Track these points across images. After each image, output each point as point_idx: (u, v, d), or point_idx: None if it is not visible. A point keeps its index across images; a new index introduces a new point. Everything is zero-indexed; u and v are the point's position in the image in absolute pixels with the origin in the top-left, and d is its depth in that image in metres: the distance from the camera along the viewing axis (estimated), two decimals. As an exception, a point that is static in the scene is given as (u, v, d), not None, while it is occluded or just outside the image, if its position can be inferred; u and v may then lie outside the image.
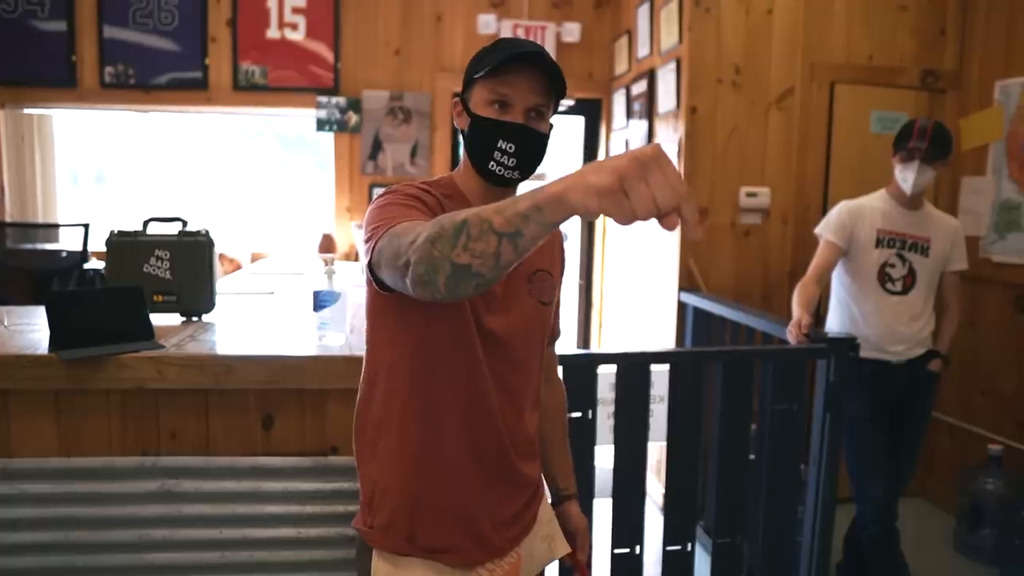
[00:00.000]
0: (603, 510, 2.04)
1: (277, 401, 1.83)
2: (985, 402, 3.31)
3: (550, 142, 1.28)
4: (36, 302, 2.22)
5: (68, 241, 4.02)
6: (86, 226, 3.80)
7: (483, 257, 0.88)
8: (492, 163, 1.23)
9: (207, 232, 2.28)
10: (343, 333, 1.86)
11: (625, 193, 0.77)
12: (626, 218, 0.78)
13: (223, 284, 3.23)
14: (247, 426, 1.82)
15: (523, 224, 0.85)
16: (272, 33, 4.02)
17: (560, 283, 1.43)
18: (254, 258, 4.23)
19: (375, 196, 1.24)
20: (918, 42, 3.40)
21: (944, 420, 3.44)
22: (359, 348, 1.60)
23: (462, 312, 1.20)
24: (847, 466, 2.50)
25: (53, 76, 3.89)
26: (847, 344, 2.16)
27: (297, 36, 4.05)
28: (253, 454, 1.79)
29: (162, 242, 2.25)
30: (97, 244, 3.89)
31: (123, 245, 2.25)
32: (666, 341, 3.38)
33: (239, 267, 4.10)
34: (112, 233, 2.30)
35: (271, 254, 4.27)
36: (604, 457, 2.09)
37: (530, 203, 0.84)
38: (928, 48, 3.41)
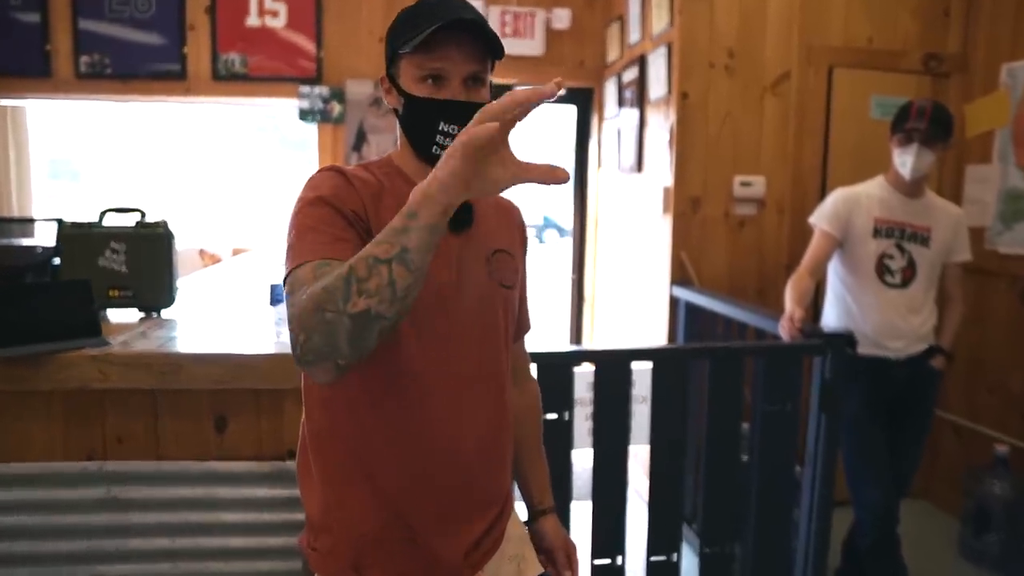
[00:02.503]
0: (581, 513, 1.91)
1: (231, 402, 1.75)
2: (991, 400, 3.17)
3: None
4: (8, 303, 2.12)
5: (44, 236, 3.91)
6: (59, 221, 3.69)
7: (379, 293, 0.84)
8: (435, 147, 1.09)
9: (165, 224, 2.18)
10: None
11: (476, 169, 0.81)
12: (496, 188, 0.83)
13: (196, 278, 3.14)
14: (199, 429, 1.73)
15: (404, 238, 0.84)
16: (252, 21, 3.90)
17: (523, 266, 1.29)
18: (235, 253, 4.12)
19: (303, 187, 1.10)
20: (921, 24, 3.27)
21: (948, 419, 3.31)
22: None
23: None
24: (844, 469, 2.37)
25: (27, 66, 3.78)
26: (844, 340, 2.03)
27: (278, 24, 3.92)
28: (206, 459, 1.70)
29: (118, 234, 2.15)
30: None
31: (76, 237, 2.16)
32: (658, 337, 3.26)
33: (219, 261, 3.99)
34: (64, 224, 2.20)
35: (252, 249, 4.16)
36: (583, 460, 1.97)
37: (401, 215, 0.85)
38: (931, 30, 3.28)
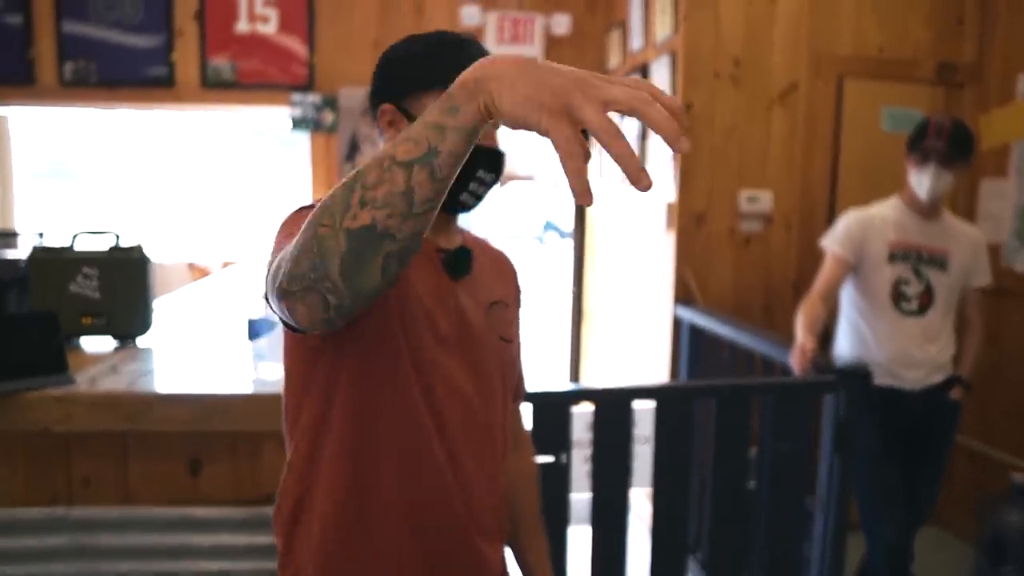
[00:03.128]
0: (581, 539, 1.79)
1: (205, 444, 1.66)
2: (1008, 424, 3.06)
3: None
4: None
5: (29, 248, 3.80)
6: (40, 235, 3.59)
7: (390, 204, 0.66)
8: (466, 195, 0.99)
9: (140, 248, 2.07)
10: (280, 364, 1.63)
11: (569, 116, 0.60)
12: (573, 150, 0.60)
13: (182, 295, 3.04)
14: (172, 472, 1.64)
15: (436, 136, 0.66)
16: (242, 27, 3.78)
17: (518, 318, 1.18)
18: (225, 266, 4.02)
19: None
20: (933, 32, 3.14)
21: (962, 442, 3.20)
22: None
23: (401, 352, 0.96)
24: (857, 504, 2.26)
25: (9, 73, 3.66)
26: (859, 375, 1.91)
27: (269, 29, 3.80)
28: (179, 504, 1.61)
29: (90, 259, 2.03)
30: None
31: (46, 263, 2.04)
32: (660, 360, 3.14)
33: (208, 275, 3.88)
34: (35, 248, 2.09)
35: (241, 262, 4.05)
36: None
37: (436, 108, 0.66)
38: (944, 39, 3.16)
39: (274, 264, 0.79)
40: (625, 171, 0.60)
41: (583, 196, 0.61)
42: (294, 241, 0.73)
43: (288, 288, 0.72)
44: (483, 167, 0.98)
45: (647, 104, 0.60)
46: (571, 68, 0.63)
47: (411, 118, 0.98)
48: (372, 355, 0.95)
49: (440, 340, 0.99)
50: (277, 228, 0.93)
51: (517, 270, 1.21)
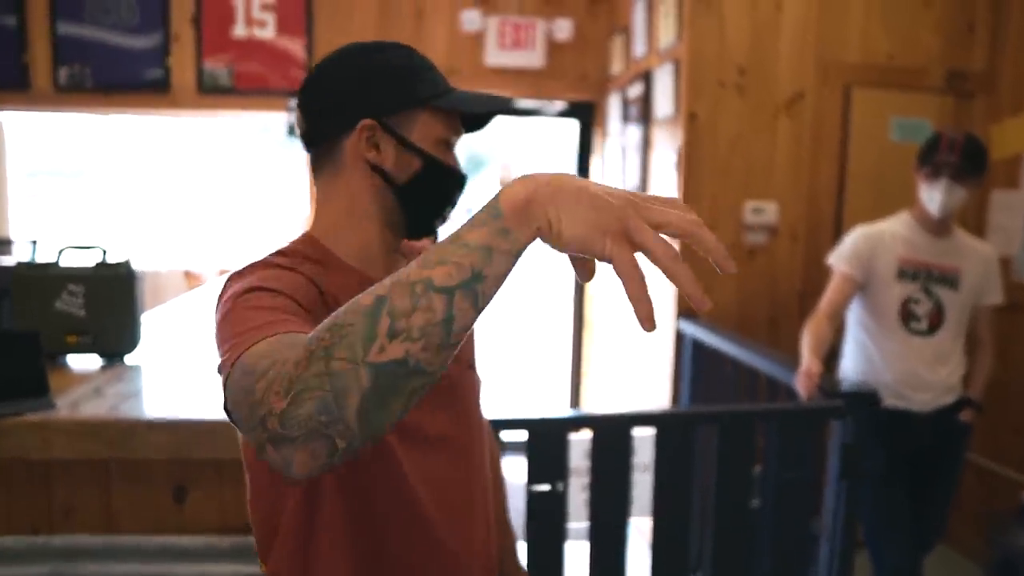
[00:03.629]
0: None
1: (190, 470, 1.62)
2: (1018, 441, 2.99)
3: None
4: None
5: (24, 256, 3.76)
6: (34, 242, 3.55)
7: (427, 335, 0.58)
8: (439, 220, 0.98)
9: (128, 263, 2.01)
10: None
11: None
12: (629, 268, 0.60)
13: (175, 306, 2.99)
14: (156, 500, 1.59)
15: (483, 260, 0.59)
16: (239, 31, 3.72)
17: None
18: (220, 274, 3.96)
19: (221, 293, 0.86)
20: (943, 40, 3.07)
21: (971, 460, 3.12)
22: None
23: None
24: (862, 529, 2.19)
25: (3, 78, 3.61)
26: (867, 400, 1.85)
27: (266, 34, 3.75)
28: (163, 532, 1.56)
29: (75, 275, 1.98)
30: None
31: (31, 279, 1.99)
32: (661, 377, 3.08)
33: (203, 283, 3.83)
34: (18, 264, 2.03)
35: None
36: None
37: (482, 226, 0.60)
38: (955, 46, 3.08)
39: (236, 384, 0.66)
40: (641, 311, 0.60)
41: (648, 322, 0.59)
42: (267, 365, 0.62)
43: (284, 434, 0.59)
44: (457, 190, 0.98)
45: (699, 227, 0.59)
46: (615, 188, 0.61)
47: (397, 136, 0.91)
48: None
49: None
50: (218, 311, 0.81)
51: None
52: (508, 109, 0.96)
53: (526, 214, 0.60)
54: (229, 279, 0.87)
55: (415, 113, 0.92)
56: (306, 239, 0.96)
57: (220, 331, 0.78)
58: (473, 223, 0.61)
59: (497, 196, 0.62)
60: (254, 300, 0.78)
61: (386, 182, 0.93)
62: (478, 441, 1.03)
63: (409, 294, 0.58)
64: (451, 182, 0.96)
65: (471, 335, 1.07)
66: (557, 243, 0.60)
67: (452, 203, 0.98)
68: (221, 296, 0.84)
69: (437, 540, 0.93)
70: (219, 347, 0.76)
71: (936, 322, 2.19)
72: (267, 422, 0.59)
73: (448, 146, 0.95)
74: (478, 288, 0.60)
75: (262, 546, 0.94)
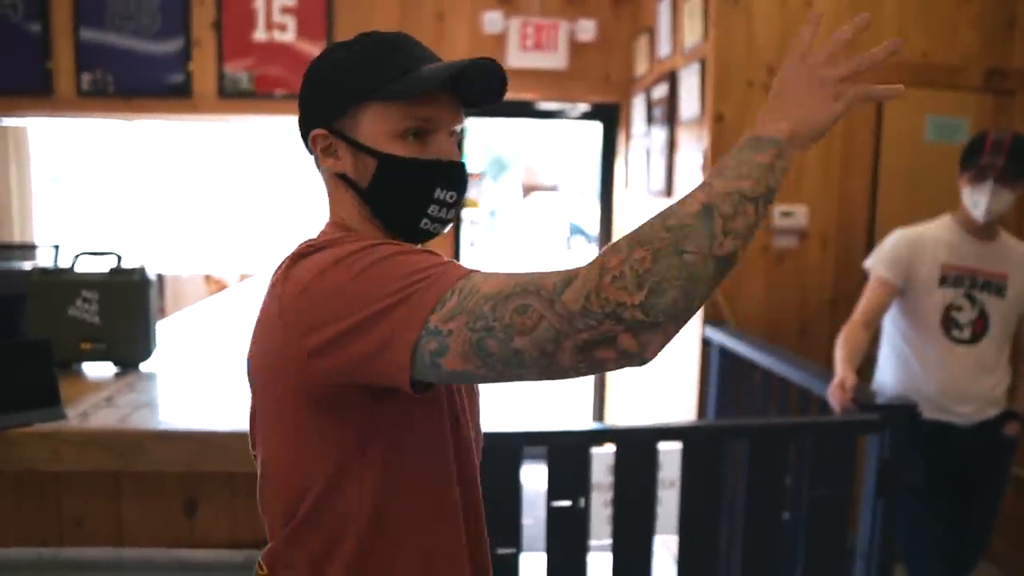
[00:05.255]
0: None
1: (202, 483, 1.58)
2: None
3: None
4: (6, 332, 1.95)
5: (47, 261, 3.78)
6: (56, 247, 3.56)
7: (743, 235, 0.73)
8: (426, 221, 0.88)
9: (143, 270, 1.98)
10: None
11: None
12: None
13: (194, 312, 2.97)
14: (167, 512, 1.56)
15: (771, 176, 0.75)
16: (259, 35, 3.71)
17: None
18: (242, 279, 3.95)
19: (317, 265, 0.81)
20: (982, 36, 2.96)
21: (1013, 473, 3.00)
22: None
23: (441, 411, 0.88)
24: (901, 544, 2.09)
25: (27, 83, 3.63)
26: (905, 413, 1.75)
27: (287, 37, 3.73)
28: (174, 546, 1.52)
29: (90, 281, 1.95)
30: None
31: (45, 285, 1.96)
32: (688, 384, 2.99)
33: (225, 288, 3.81)
34: (33, 270, 2.01)
35: (258, 275, 3.98)
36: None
37: (765, 148, 0.77)
38: (994, 43, 2.97)
39: (535, 305, 0.71)
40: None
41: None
42: (633, 254, 0.70)
43: (649, 321, 0.69)
44: (441, 185, 0.87)
45: (869, 58, 0.85)
46: (806, 69, 0.83)
47: (349, 139, 0.87)
48: (414, 409, 0.85)
49: (455, 398, 0.93)
50: (331, 273, 0.78)
51: None
52: (477, 68, 0.86)
53: (794, 140, 0.78)
54: (313, 254, 0.82)
55: (360, 109, 0.87)
56: (337, 224, 0.92)
57: (370, 280, 0.76)
58: (757, 147, 0.76)
59: (769, 131, 0.78)
60: (388, 250, 0.79)
61: (354, 188, 0.89)
62: (479, 443, 1.02)
63: (731, 202, 0.72)
64: (420, 176, 0.86)
65: None
66: (814, 143, 0.82)
67: (434, 199, 0.87)
68: (331, 265, 0.79)
69: (457, 531, 0.91)
70: (376, 294, 0.75)
71: (980, 330, 2.08)
72: (621, 314, 0.68)
73: (417, 134, 0.87)
74: (771, 197, 0.75)
75: (274, 532, 0.91)
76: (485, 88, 0.90)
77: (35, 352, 1.62)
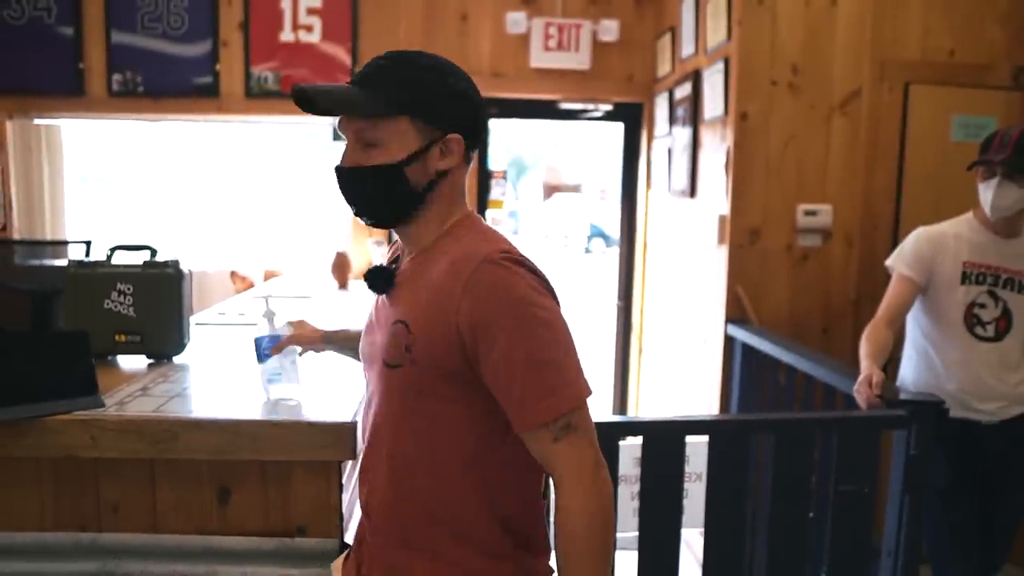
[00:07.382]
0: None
1: (234, 471, 1.60)
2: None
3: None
4: (41, 326, 2.01)
5: (78, 258, 3.85)
6: (88, 243, 3.63)
7: None
8: (359, 213, 1.14)
9: (176, 263, 2.02)
10: (295, 384, 1.58)
11: None
12: None
13: (224, 308, 3.01)
14: (200, 500, 1.58)
15: None
16: (286, 36, 3.77)
17: (487, 343, 1.03)
18: (267, 276, 3.99)
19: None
20: (1010, 34, 2.94)
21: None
22: (320, 408, 1.52)
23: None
24: (926, 544, 2.09)
25: (60, 84, 3.71)
26: (932, 409, 1.76)
27: (313, 38, 3.78)
28: (207, 532, 1.55)
29: (125, 274, 1.99)
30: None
31: (81, 277, 2.01)
32: (711, 382, 3.00)
33: (251, 286, 3.86)
34: (70, 263, 2.06)
35: (285, 272, 4.03)
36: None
37: None
38: (1021, 41, 2.96)
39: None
40: None
41: None
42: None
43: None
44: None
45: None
46: None
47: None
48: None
49: (363, 353, 1.22)
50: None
51: (483, 285, 1.01)
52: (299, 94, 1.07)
53: None
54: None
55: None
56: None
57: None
58: None
59: None
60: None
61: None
62: (384, 421, 1.16)
63: None
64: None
65: (406, 339, 1.05)
66: None
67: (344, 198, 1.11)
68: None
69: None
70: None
71: (1003, 328, 2.08)
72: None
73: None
74: None
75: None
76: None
77: (74, 343, 1.67)
